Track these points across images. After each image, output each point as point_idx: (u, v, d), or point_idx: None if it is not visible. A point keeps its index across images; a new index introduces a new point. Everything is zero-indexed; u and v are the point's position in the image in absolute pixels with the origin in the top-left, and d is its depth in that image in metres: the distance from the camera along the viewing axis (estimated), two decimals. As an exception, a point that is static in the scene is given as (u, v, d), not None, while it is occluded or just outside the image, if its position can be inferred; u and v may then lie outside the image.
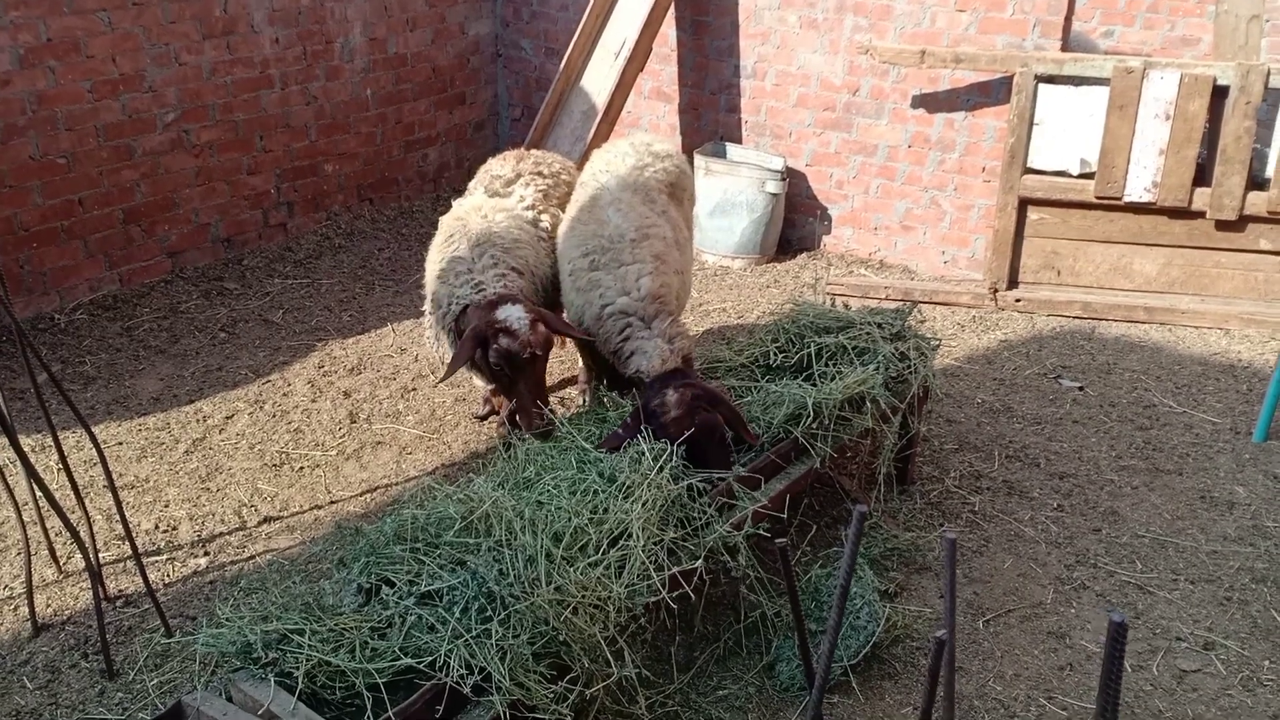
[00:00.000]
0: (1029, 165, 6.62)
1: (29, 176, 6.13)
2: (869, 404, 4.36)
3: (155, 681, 3.79)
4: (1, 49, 5.83)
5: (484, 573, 3.14)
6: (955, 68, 6.66)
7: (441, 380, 4.55)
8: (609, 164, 5.02)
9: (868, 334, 4.69)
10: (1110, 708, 1.75)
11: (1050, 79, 6.39)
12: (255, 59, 7.07)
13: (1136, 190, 6.38)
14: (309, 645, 2.96)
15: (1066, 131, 6.45)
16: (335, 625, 3.05)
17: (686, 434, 3.80)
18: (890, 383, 4.56)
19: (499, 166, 5.18)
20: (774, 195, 7.35)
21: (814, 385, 4.38)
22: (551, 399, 5.64)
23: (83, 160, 6.36)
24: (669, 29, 7.78)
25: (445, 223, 4.87)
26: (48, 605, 4.17)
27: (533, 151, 5.27)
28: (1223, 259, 6.51)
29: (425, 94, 8.29)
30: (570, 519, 3.36)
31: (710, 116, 7.91)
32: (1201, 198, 6.33)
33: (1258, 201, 6.25)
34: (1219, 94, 6.13)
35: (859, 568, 4.17)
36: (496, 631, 3.02)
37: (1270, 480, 5.06)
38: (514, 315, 4.26)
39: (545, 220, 4.93)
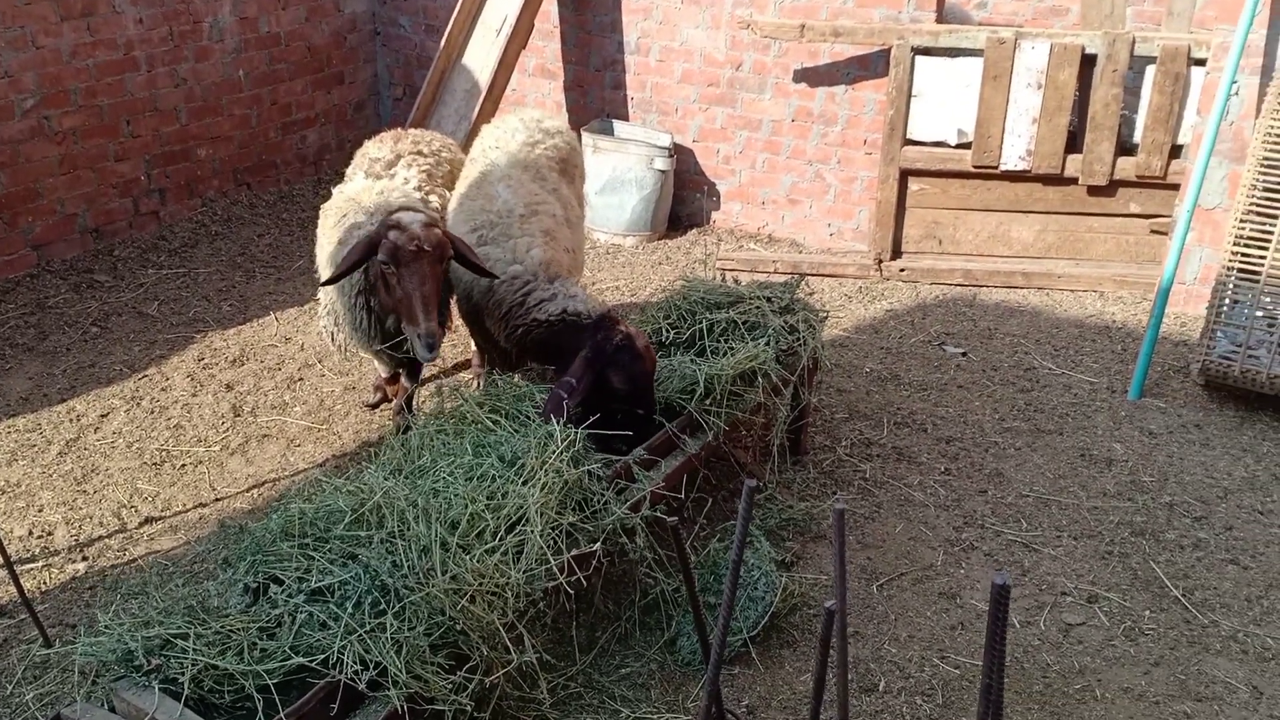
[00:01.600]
0: (909, 137, 6.74)
1: (-127, 168, 5.78)
2: (760, 378, 4.40)
3: (34, 694, 3.63)
4: None
5: (376, 565, 3.08)
6: (834, 41, 6.73)
7: (326, 283, 4.31)
8: (499, 140, 4.95)
9: (757, 308, 4.72)
10: (996, 668, 1.79)
11: (926, 51, 6.51)
12: (119, 40, 6.77)
13: (1012, 159, 6.56)
14: (194, 649, 2.87)
15: (944, 103, 6.58)
16: (221, 627, 2.95)
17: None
18: (781, 356, 4.61)
19: (376, 149, 5.02)
20: (663, 172, 7.35)
21: (706, 361, 4.40)
22: (442, 382, 5.56)
23: (-67, 150, 6.01)
24: (550, 5, 7.69)
25: (330, 207, 4.72)
26: (-86, 620, 3.97)
27: (411, 131, 5.14)
28: (1095, 224, 6.74)
29: (301, 74, 8.05)
30: (466, 506, 3.31)
31: (596, 93, 7.86)
32: (1074, 164, 6.53)
33: (1127, 166, 6.47)
34: (1088, 62, 6.32)
35: (755, 539, 4.21)
36: (391, 625, 2.96)
37: (1146, 436, 5.27)
38: (408, 216, 4.06)
39: (435, 200, 4.81)
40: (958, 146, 6.70)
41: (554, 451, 3.55)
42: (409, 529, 3.17)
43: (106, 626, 2.95)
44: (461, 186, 4.71)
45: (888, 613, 4.14)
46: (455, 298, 4.65)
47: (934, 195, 6.88)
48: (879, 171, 6.88)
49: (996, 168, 6.61)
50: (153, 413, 5.36)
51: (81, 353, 5.87)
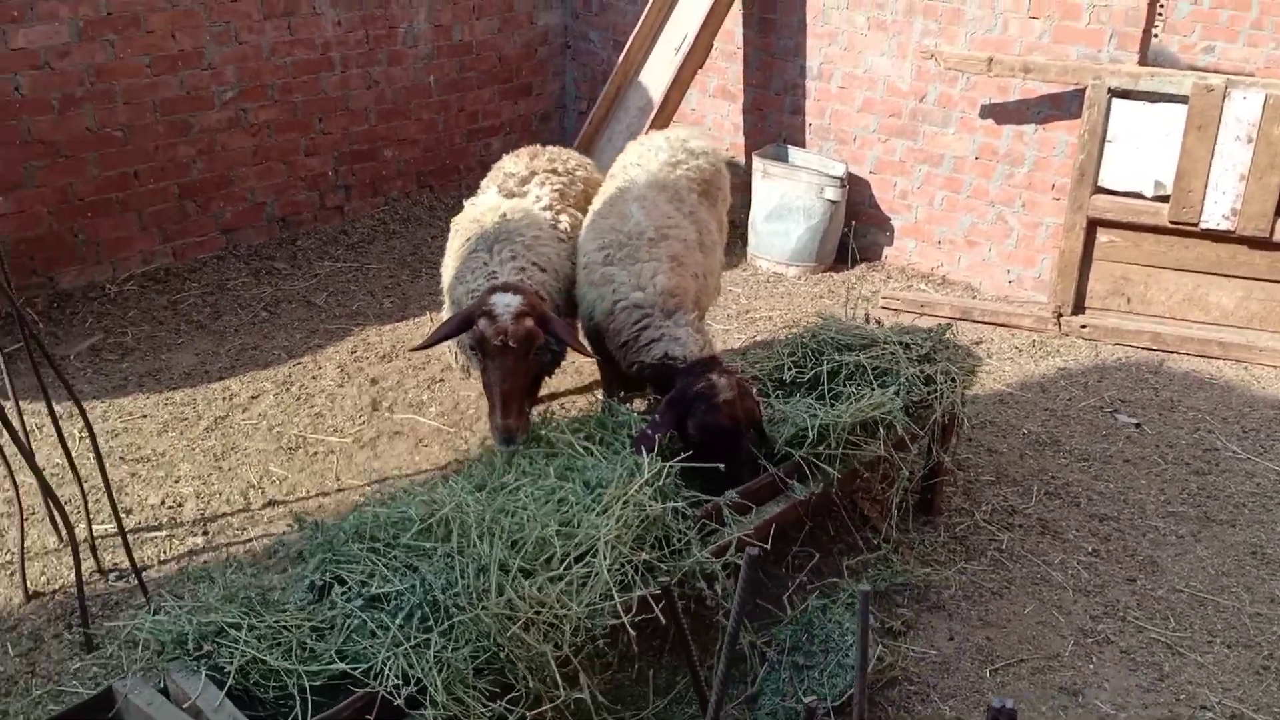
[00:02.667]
0: (1100, 184, 6.25)
1: (85, 148, 6.24)
2: (883, 429, 4.13)
3: (133, 658, 3.77)
4: (61, 20, 5.93)
5: (431, 579, 3.02)
6: (1025, 77, 6.32)
7: (415, 349, 4.41)
8: (641, 157, 4.87)
9: (891, 354, 4.45)
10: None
11: (1125, 94, 6.01)
12: (316, 40, 7.09)
13: (1214, 217, 5.97)
14: (244, 640, 2.88)
15: (1141, 150, 6.07)
16: (275, 621, 2.96)
17: (738, 424, 3.73)
18: (911, 407, 4.31)
19: (512, 164, 4.98)
20: (833, 202, 7.10)
21: (824, 406, 4.16)
22: (555, 405, 5.52)
23: (139, 134, 6.44)
24: (735, 26, 7.57)
25: (459, 224, 4.74)
26: (42, 573, 4.20)
27: (547, 148, 5.10)
28: (1308, 295, 6.06)
29: (490, 83, 8.23)
30: (536, 529, 3.22)
31: (774, 117, 7.68)
32: (1287, 228, 5.90)
33: (1349, 235, 5.80)
34: (1311, 118, 5.69)
35: (857, 602, 3.93)
36: (436, 642, 2.90)
37: (1332, 539, 4.67)
38: (502, 301, 3.97)
39: (564, 221, 4.72)
40: (1154, 199, 6.16)
41: (638, 484, 3.42)
42: (470, 546, 3.10)
43: (171, 608, 3.02)
44: (598, 202, 4.65)
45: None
46: (578, 317, 4.58)
47: (1124, 249, 6.35)
48: (1065, 219, 6.41)
49: (1196, 225, 6.04)
50: (299, 399, 5.55)
51: (248, 335, 6.16)
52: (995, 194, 6.85)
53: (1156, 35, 6.61)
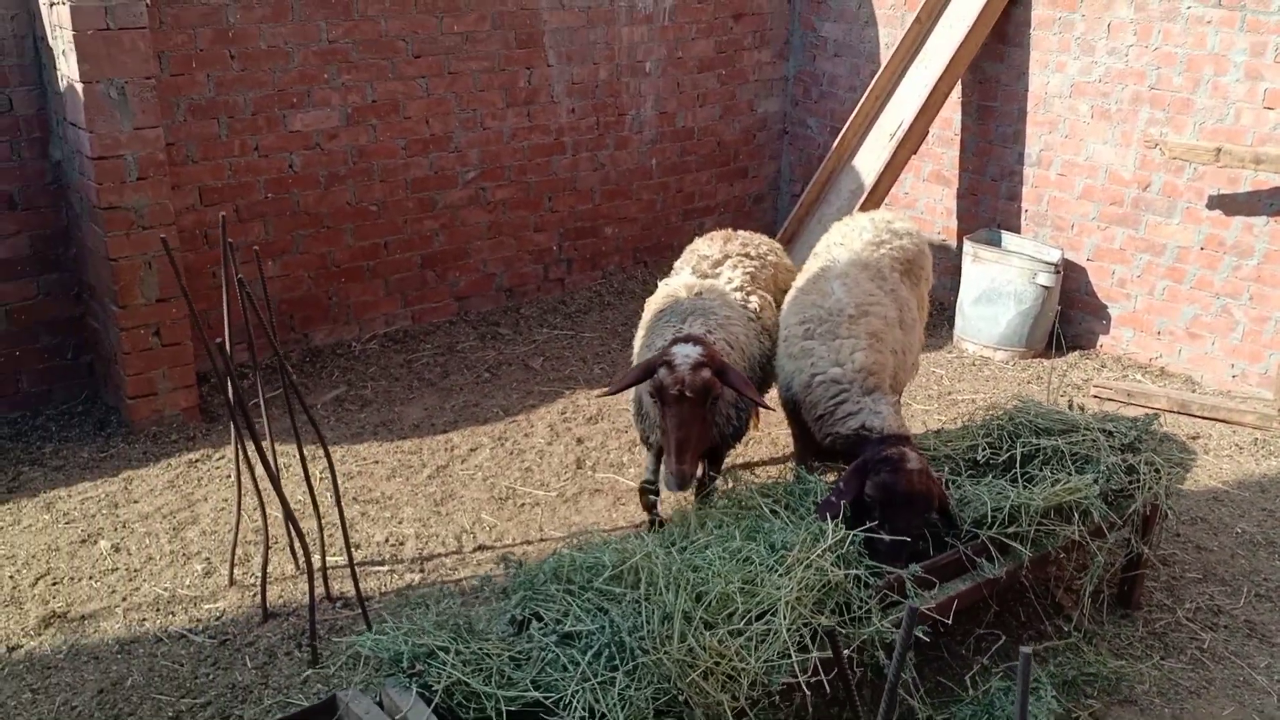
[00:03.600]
0: (1337, 278, 5.97)
1: (344, 220, 6.98)
2: (1078, 515, 4.10)
3: (352, 677, 4.18)
4: (333, 108, 6.71)
5: (620, 622, 3.26)
6: (1256, 169, 6.13)
7: (602, 394, 4.61)
8: (845, 237, 5.06)
9: (1092, 440, 4.42)
10: None
11: (1367, 184, 5.75)
12: (551, 127, 7.68)
13: None
14: (451, 663, 3.20)
15: (1384, 244, 5.76)
16: (479, 649, 3.27)
17: (920, 495, 3.82)
18: (1111, 495, 4.26)
19: (706, 247, 5.21)
20: (1045, 288, 7.03)
21: (1017, 487, 4.17)
22: (747, 472, 5.68)
23: (391, 209, 7.15)
24: (953, 113, 7.68)
25: (654, 302, 4.98)
26: (279, 597, 4.71)
27: (739, 232, 5.30)
28: None
29: (708, 166, 8.63)
30: (720, 584, 3.41)
31: (989, 203, 7.70)
32: None
33: None
34: None
35: (1040, 687, 3.90)
36: (621, 681, 3.12)
37: None
38: (682, 351, 4.14)
39: (754, 302, 4.91)
40: (1398, 294, 5.82)
41: (821, 549, 3.56)
42: (657, 594, 3.32)
43: (390, 629, 3.38)
44: (800, 280, 4.86)
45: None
46: (776, 385, 4.78)
47: (1364, 347, 6.01)
48: (1297, 313, 6.13)
49: None
50: (512, 454, 5.96)
51: (471, 393, 6.67)
52: (1220, 286, 6.62)
53: None
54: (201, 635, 4.46)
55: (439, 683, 3.16)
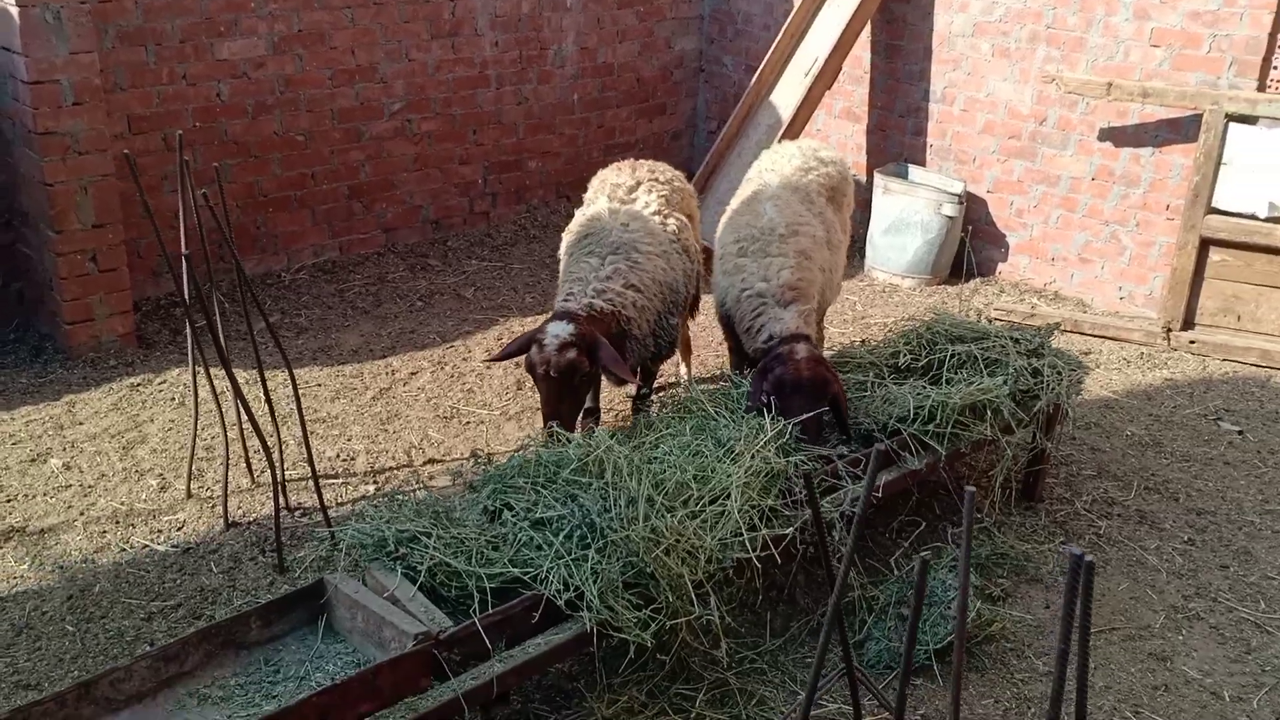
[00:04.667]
0: (1214, 205, 6.49)
1: (271, 149, 7.01)
2: (990, 413, 4.50)
3: (315, 576, 4.37)
4: (260, 36, 6.72)
5: (590, 506, 3.53)
6: (1143, 102, 6.61)
7: (486, 360, 4.74)
8: (775, 164, 5.35)
9: (1002, 346, 4.82)
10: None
11: (1242, 119, 6.27)
12: (476, 59, 7.78)
13: (1328, 237, 6.17)
14: (433, 546, 3.43)
15: (1256, 173, 6.30)
16: (458, 534, 3.51)
17: (808, 381, 4.13)
18: (1019, 395, 4.67)
19: (616, 176, 5.36)
20: (950, 218, 7.46)
21: (936, 389, 4.56)
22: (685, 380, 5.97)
23: (318, 139, 7.20)
24: (863, 52, 8.02)
25: (573, 229, 5.09)
26: (238, 508, 4.85)
27: (644, 161, 5.50)
28: None
29: (628, 102, 8.83)
30: (675, 473, 3.71)
31: (897, 138, 8.09)
32: (1401, 250, 6.06)
33: None
34: None
35: (955, 565, 4.32)
36: (592, 557, 3.40)
37: None
38: (553, 330, 4.34)
39: (671, 224, 5.11)
40: (1268, 220, 6.37)
41: (763, 440, 3.89)
42: (621, 481, 3.60)
43: (372, 517, 3.59)
44: (734, 203, 5.14)
45: (1091, 662, 4.11)
46: (712, 302, 5.07)
47: (1236, 268, 6.57)
48: (1178, 238, 6.66)
49: (1310, 245, 6.24)
50: (453, 377, 6.15)
51: (406, 320, 6.82)
52: (1110, 214, 7.13)
53: (1276, 67, 6.82)
54: (164, 545, 4.59)
55: (422, 564, 3.39)
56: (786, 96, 7.85)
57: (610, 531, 3.46)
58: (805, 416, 4.09)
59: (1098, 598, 4.50)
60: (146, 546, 4.57)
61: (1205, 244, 6.59)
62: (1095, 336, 6.93)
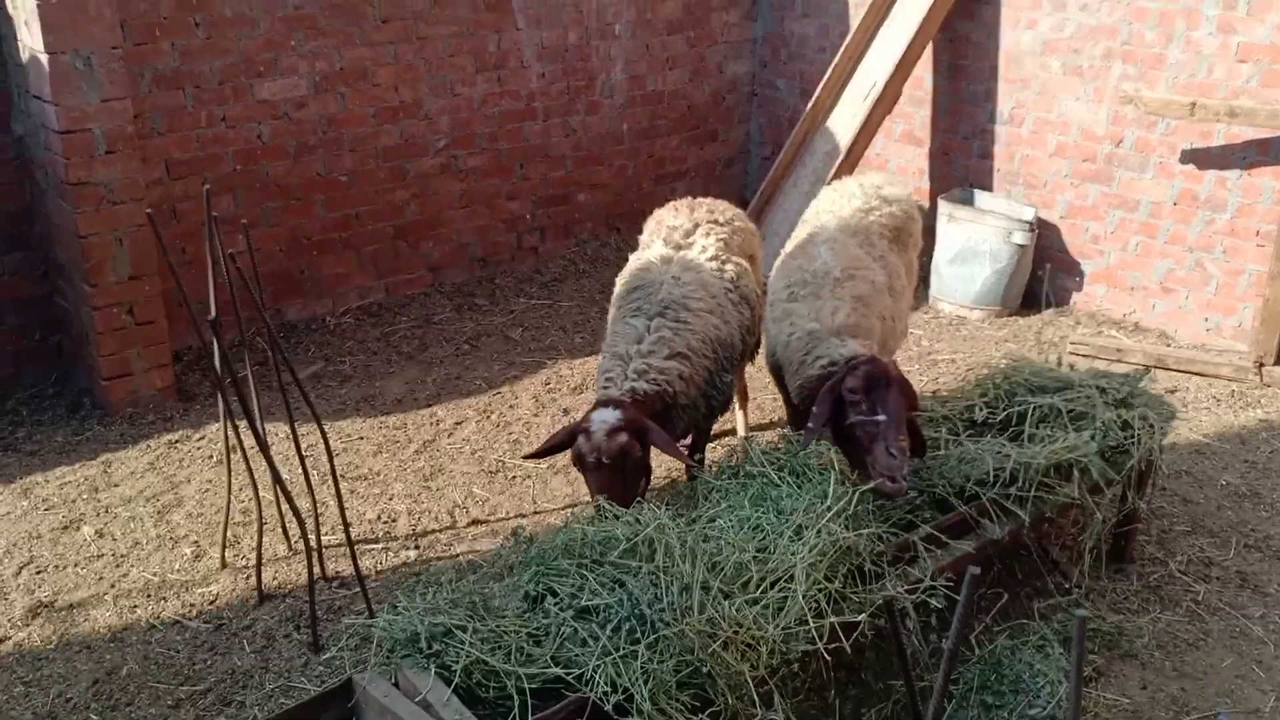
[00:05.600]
0: (1310, 230, 6.05)
1: (315, 191, 6.83)
2: (1078, 473, 4.13)
3: (353, 659, 4.12)
4: (301, 75, 6.54)
5: (639, 595, 3.23)
6: (1230, 122, 6.18)
7: (527, 457, 4.38)
8: (833, 204, 5.02)
9: (1087, 397, 4.44)
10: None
11: (1341, 137, 5.82)
12: (522, 92, 7.55)
13: None
14: (469, 642, 3.15)
15: (1357, 196, 5.85)
16: (497, 626, 3.22)
17: (901, 380, 3.84)
18: (1107, 452, 4.29)
19: (673, 217, 5.03)
20: (1020, 246, 7.06)
21: (1019, 446, 4.19)
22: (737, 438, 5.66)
23: (362, 179, 7.01)
24: (924, 73, 7.66)
25: (625, 277, 4.80)
26: (274, 578, 4.62)
27: (702, 200, 5.16)
28: None
29: (679, 130, 8.55)
30: (733, 553, 3.39)
31: (961, 162, 7.71)
32: None
33: None
34: None
35: (1048, 644, 3.95)
36: (643, 654, 3.09)
37: None
38: (599, 418, 4.06)
39: (730, 269, 4.80)
40: (1370, 245, 5.91)
41: (827, 510, 3.56)
42: (674, 565, 3.30)
43: (403, 608, 3.32)
44: (789, 246, 4.82)
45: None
46: (763, 350, 4.75)
47: (1335, 298, 6.11)
48: (1270, 266, 6.20)
49: None
50: (499, 426, 5.90)
51: (452, 365, 6.58)
52: (1194, 240, 6.69)
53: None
54: (196, 620, 4.37)
55: (458, 662, 3.11)
56: (844, 122, 7.51)
57: (662, 625, 3.15)
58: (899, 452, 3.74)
59: (1199, 676, 4.11)
60: (178, 623, 4.35)
61: (1301, 272, 6.13)
62: (1180, 372, 6.49)
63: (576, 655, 3.14)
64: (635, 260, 4.91)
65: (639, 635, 3.15)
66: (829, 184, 6.94)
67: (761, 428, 5.88)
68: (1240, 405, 6.12)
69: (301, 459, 4.38)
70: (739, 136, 9.00)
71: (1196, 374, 6.47)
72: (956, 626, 2.12)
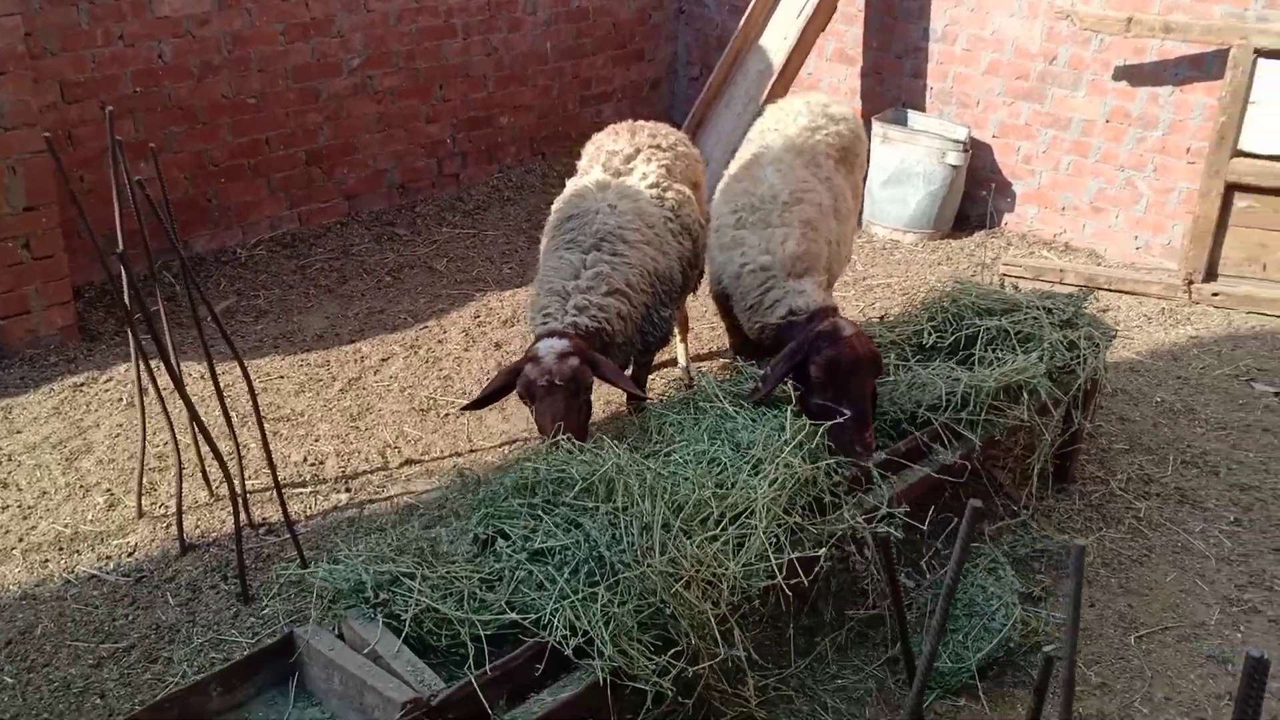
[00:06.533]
0: (1239, 148, 6.05)
1: (221, 114, 6.42)
2: (1027, 394, 4.08)
3: (287, 610, 3.92)
4: (203, -11, 6.10)
5: (597, 536, 3.09)
6: (1165, 38, 6.13)
7: (466, 408, 4.14)
8: (779, 122, 4.84)
9: (1034, 319, 4.39)
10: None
11: (1273, 54, 5.80)
12: (440, 8, 7.18)
13: (1364, 180, 5.76)
14: (419, 590, 2.98)
15: (1287, 112, 5.87)
16: (447, 573, 3.05)
17: (866, 358, 3.73)
18: (1054, 373, 4.25)
19: (613, 142, 4.80)
20: (954, 167, 6.99)
21: (969, 370, 4.13)
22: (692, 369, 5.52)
23: (271, 101, 6.61)
24: (856, -12, 7.48)
25: (562, 201, 4.58)
26: (196, 526, 4.38)
27: (644, 123, 4.93)
28: None
29: (604, 49, 8.25)
30: (693, 490, 3.26)
31: (894, 81, 7.57)
32: None
33: None
34: None
35: (999, 567, 3.94)
36: (602, 597, 2.96)
37: None
38: (545, 345, 3.90)
39: (670, 197, 4.59)
40: (1299, 162, 5.95)
41: (785, 443, 3.44)
42: (633, 505, 3.15)
43: (344, 557, 3.13)
44: (733, 167, 4.64)
45: (1144, 668, 3.75)
46: (708, 277, 4.60)
47: (1263, 214, 6.15)
48: (1201, 184, 6.23)
49: (1344, 189, 5.83)
50: (428, 362, 5.67)
51: (374, 299, 6.30)
52: (1125, 158, 6.68)
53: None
54: (114, 574, 4.11)
55: (407, 611, 2.94)
56: (778, 40, 7.30)
57: (623, 567, 3.01)
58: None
59: (1145, 592, 4.14)
60: (95, 577, 4.09)
61: (1230, 189, 6.17)
62: (1111, 291, 6.52)
63: (533, 600, 2.99)
64: (571, 186, 4.68)
65: (598, 578, 3.02)
66: (762, 105, 6.77)
67: (701, 358, 5.75)
68: (1171, 323, 6.17)
69: (221, 399, 4.12)
70: (666, 56, 8.73)
71: (1127, 293, 6.50)
72: (957, 557, 2.01)
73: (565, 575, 3.02)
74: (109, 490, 4.56)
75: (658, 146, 4.71)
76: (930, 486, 3.96)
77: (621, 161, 4.63)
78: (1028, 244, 7.15)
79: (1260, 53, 5.83)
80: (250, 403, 4.22)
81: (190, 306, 4.07)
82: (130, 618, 3.90)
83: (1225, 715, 3.57)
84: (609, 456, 3.31)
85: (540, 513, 3.24)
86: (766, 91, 7.04)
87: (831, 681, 3.68)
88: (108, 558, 4.19)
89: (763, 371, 3.86)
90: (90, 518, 4.40)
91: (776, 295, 4.08)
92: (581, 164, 4.90)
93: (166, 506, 4.44)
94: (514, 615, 2.96)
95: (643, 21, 8.42)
